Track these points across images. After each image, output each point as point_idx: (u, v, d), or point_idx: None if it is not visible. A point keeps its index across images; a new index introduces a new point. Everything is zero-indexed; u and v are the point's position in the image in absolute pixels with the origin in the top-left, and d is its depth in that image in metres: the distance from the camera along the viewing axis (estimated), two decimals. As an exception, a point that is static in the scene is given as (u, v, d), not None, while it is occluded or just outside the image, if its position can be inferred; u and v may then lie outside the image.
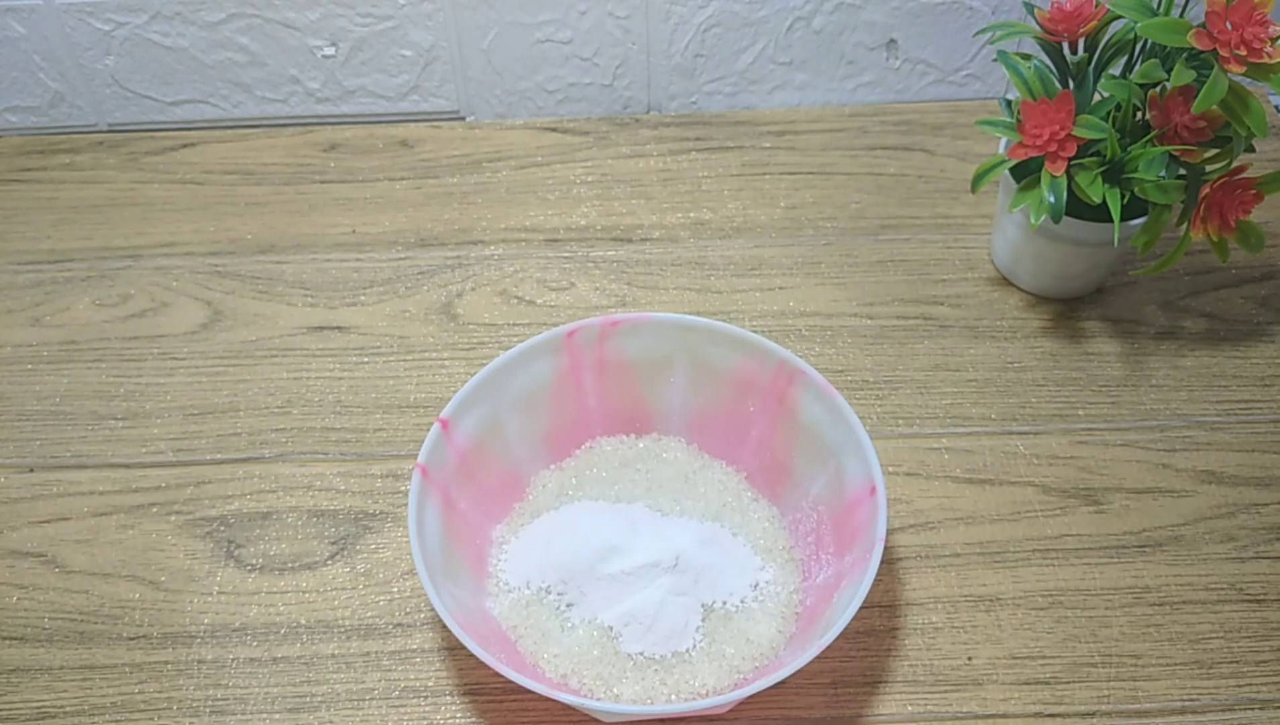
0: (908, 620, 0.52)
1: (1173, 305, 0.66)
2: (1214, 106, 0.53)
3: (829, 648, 0.43)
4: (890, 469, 0.58)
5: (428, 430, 0.53)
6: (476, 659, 0.43)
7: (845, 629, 0.44)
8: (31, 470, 0.59)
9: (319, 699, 0.50)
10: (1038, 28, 0.59)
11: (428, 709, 0.50)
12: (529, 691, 0.43)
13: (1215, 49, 0.52)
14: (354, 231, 0.71)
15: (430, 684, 0.51)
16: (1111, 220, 0.56)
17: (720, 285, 0.68)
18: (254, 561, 0.55)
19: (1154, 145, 0.56)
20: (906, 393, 0.62)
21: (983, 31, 0.62)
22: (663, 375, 0.56)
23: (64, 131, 0.80)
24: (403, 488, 0.58)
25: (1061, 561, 0.55)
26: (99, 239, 0.71)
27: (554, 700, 0.43)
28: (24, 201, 0.74)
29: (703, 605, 0.50)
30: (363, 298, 0.67)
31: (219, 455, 0.60)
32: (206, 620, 0.53)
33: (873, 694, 0.50)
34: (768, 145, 0.77)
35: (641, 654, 0.49)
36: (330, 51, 0.76)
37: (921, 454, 0.59)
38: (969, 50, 0.79)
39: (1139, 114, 0.59)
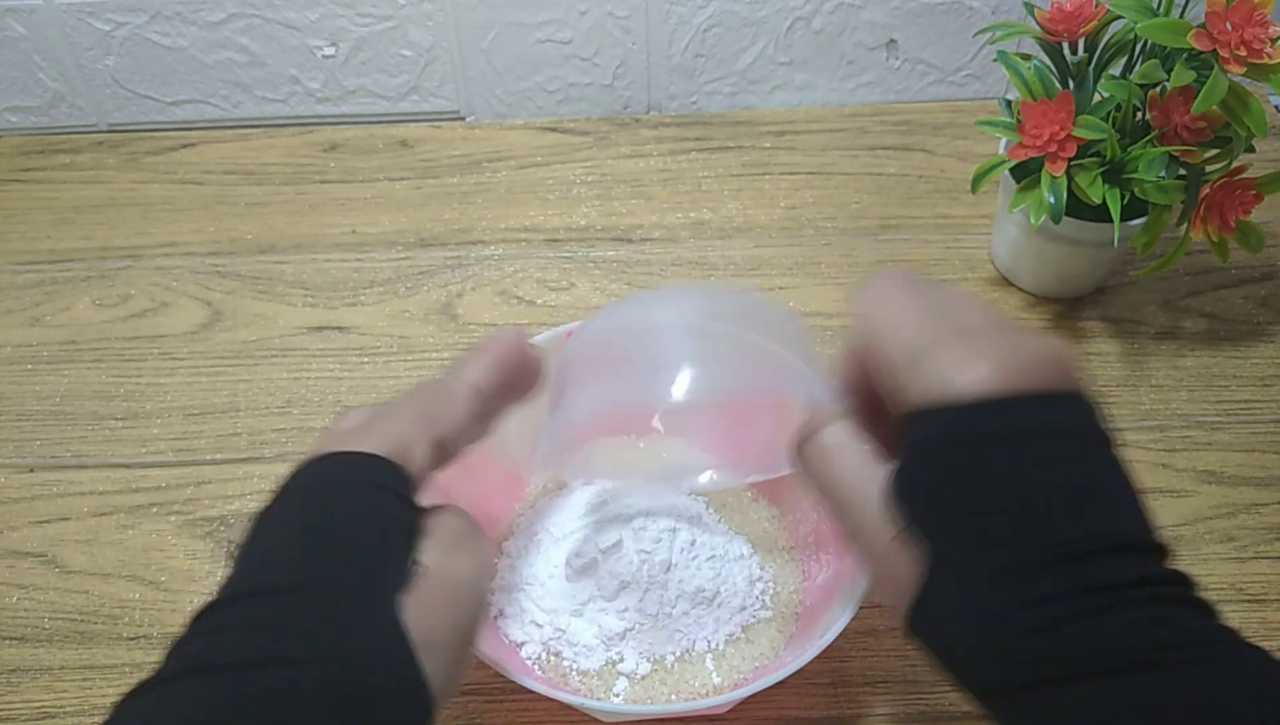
0: (908, 620, 0.52)
1: (1173, 305, 0.66)
2: (1214, 107, 0.53)
3: (829, 648, 0.43)
4: (890, 469, 0.58)
5: (428, 430, 0.53)
6: (477, 659, 0.43)
7: (845, 629, 0.44)
8: (31, 470, 0.59)
9: (319, 699, 0.50)
10: (1038, 28, 0.59)
11: (428, 709, 0.50)
12: (529, 691, 0.43)
13: (1215, 49, 0.52)
14: (354, 231, 0.71)
15: (430, 684, 0.51)
16: (1111, 220, 0.56)
17: (720, 285, 0.68)
18: (254, 561, 0.55)
19: (1154, 145, 0.56)
20: (906, 393, 0.62)
21: (983, 31, 0.62)
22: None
23: (64, 131, 0.80)
24: (403, 488, 0.58)
25: (1061, 561, 0.54)
26: (99, 239, 0.71)
27: (554, 700, 0.43)
28: (24, 201, 0.74)
29: (702, 605, 0.50)
30: (363, 298, 0.67)
31: (219, 455, 0.60)
32: (206, 620, 0.53)
33: (873, 694, 0.50)
34: (768, 145, 0.77)
35: (642, 654, 0.49)
36: (330, 51, 0.76)
37: (921, 454, 0.59)
38: (969, 50, 0.79)
39: (1139, 114, 0.59)
